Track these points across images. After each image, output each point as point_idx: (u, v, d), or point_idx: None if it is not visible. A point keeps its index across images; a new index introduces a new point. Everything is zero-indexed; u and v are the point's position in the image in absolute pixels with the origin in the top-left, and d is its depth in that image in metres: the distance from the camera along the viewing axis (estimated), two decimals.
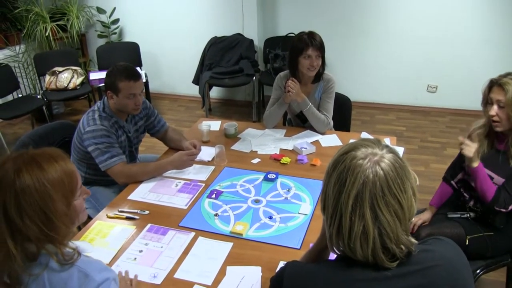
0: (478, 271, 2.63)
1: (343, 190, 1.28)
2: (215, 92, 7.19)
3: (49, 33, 6.34)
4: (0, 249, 1.41)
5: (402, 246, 1.29)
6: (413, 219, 2.87)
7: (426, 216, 2.89)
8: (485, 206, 2.58)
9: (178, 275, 2.11)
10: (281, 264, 2.12)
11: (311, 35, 3.30)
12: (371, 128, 6.16)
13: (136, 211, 2.59)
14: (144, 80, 5.92)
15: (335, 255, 1.41)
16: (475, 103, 6.21)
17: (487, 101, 2.52)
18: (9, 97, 5.97)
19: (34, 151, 1.51)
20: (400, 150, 3.26)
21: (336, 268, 1.36)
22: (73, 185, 1.53)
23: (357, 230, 1.27)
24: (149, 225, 2.48)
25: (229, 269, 2.13)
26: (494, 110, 2.46)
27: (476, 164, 2.52)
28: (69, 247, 1.51)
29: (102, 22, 7.00)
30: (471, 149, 2.51)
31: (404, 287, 1.29)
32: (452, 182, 2.88)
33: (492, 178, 2.56)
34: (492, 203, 2.52)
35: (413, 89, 6.66)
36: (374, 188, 1.25)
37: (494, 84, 2.47)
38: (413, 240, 1.35)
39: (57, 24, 6.47)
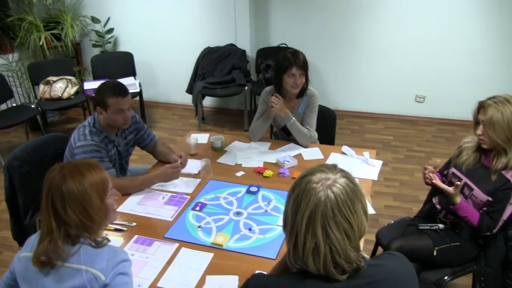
0: (445, 277, 2.80)
1: (299, 210, 1.42)
2: (208, 101, 7.31)
3: (43, 42, 6.41)
4: (47, 234, 1.79)
5: (352, 262, 1.42)
6: (426, 170, 2.94)
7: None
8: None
9: (161, 284, 2.24)
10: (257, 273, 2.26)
11: (295, 54, 3.43)
12: (360, 137, 6.30)
13: (124, 223, 2.72)
14: (137, 90, 6.06)
15: (295, 268, 1.56)
16: (461, 113, 6.42)
17: (476, 122, 2.68)
18: (3, 106, 6.01)
19: (77, 161, 1.94)
20: (379, 163, 3.40)
21: (294, 280, 1.49)
22: (105, 187, 1.91)
23: (309, 246, 1.40)
24: (136, 236, 2.60)
25: (208, 278, 2.26)
26: (480, 129, 2.64)
27: (458, 200, 2.70)
28: (101, 236, 1.90)
29: (96, 32, 7.09)
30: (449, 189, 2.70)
31: None
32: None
33: (472, 189, 2.72)
34: (478, 229, 2.70)
35: (401, 98, 6.81)
36: (325, 209, 1.38)
37: (481, 106, 2.63)
38: (364, 255, 1.49)
39: (51, 33, 6.54)
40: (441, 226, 2.89)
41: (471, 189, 2.73)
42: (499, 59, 6.17)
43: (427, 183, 2.94)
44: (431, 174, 2.83)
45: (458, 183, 2.65)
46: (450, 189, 2.68)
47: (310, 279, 1.45)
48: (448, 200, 2.78)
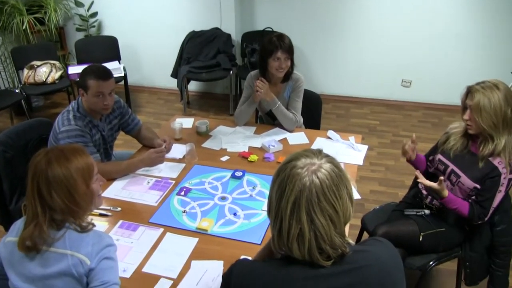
0: (431, 263, 2.81)
1: (283, 196, 1.41)
2: (193, 86, 7.27)
3: (26, 26, 6.30)
4: (33, 219, 1.80)
5: (337, 247, 1.42)
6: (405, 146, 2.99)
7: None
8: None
9: (146, 269, 2.24)
10: (242, 258, 2.26)
11: (281, 38, 3.40)
12: (346, 122, 6.30)
13: (109, 208, 2.70)
14: (122, 74, 6.01)
15: (280, 254, 1.55)
16: (448, 98, 6.43)
17: (464, 106, 2.67)
18: None
19: (62, 146, 1.95)
20: (364, 148, 3.41)
21: (279, 266, 1.49)
22: (91, 172, 1.92)
23: (294, 232, 1.40)
24: (120, 221, 2.60)
25: (194, 263, 2.26)
26: (467, 114, 2.62)
27: (446, 193, 2.69)
28: (86, 221, 1.92)
29: (80, 15, 7.00)
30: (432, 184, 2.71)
31: (338, 284, 1.43)
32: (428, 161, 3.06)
33: (459, 177, 2.71)
34: (469, 219, 2.70)
35: (388, 83, 6.80)
36: (310, 195, 1.38)
37: (469, 91, 2.62)
38: (349, 241, 1.49)
39: (34, 17, 6.43)
40: (427, 211, 2.89)
41: (458, 176, 2.72)
42: (487, 44, 6.17)
43: (405, 156, 3.02)
44: (416, 173, 2.80)
45: (442, 178, 2.64)
46: (435, 185, 2.66)
47: (295, 265, 1.45)
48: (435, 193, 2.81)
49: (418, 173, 2.78)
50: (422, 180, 2.74)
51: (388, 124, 6.24)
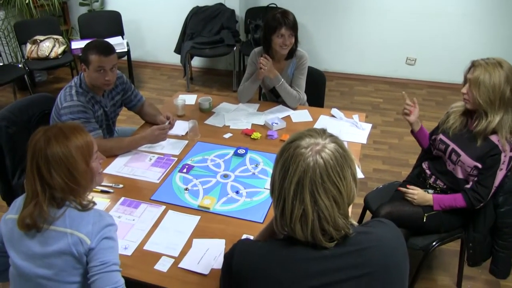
0: (434, 243, 2.80)
1: (287, 176, 1.39)
2: (197, 61, 7.23)
3: (29, 0, 6.25)
4: (33, 198, 1.80)
5: (340, 229, 1.41)
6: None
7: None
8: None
9: (147, 247, 2.23)
10: (244, 237, 2.26)
11: (285, 15, 3.36)
12: (349, 99, 6.26)
13: (110, 184, 2.70)
14: (125, 50, 5.97)
15: (282, 235, 1.54)
16: (452, 76, 6.37)
17: (465, 81, 2.64)
18: None
19: (61, 124, 1.92)
20: (368, 126, 3.39)
21: (281, 246, 1.48)
22: (90, 150, 1.91)
23: (297, 213, 1.38)
24: (122, 198, 2.59)
25: (195, 241, 2.26)
26: (465, 88, 2.60)
27: (430, 197, 2.79)
28: (87, 200, 1.92)
29: None
30: (416, 197, 2.82)
31: (341, 266, 1.41)
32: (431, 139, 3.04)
33: (459, 155, 2.69)
34: (470, 208, 2.69)
35: (392, 61, 6.74)
36: (314, 175, 1.36)
37: (472, 65, 2.59)
38: (353, 222, 1.48)
39: None
40: (430, 191, 2.87)
41: (459, 155, 2.69)
42: (493, 22, 6.10)
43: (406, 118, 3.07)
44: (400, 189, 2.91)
45: (408, 190, 2.84)
46: (416, 192, 2.82)
47: (298, 246, 1.44)
48: (438, 166, 2.79)
49: (401, 189, 2.91)
50: (403, 190, 2.88)
51: (392, 102, 6.20)
